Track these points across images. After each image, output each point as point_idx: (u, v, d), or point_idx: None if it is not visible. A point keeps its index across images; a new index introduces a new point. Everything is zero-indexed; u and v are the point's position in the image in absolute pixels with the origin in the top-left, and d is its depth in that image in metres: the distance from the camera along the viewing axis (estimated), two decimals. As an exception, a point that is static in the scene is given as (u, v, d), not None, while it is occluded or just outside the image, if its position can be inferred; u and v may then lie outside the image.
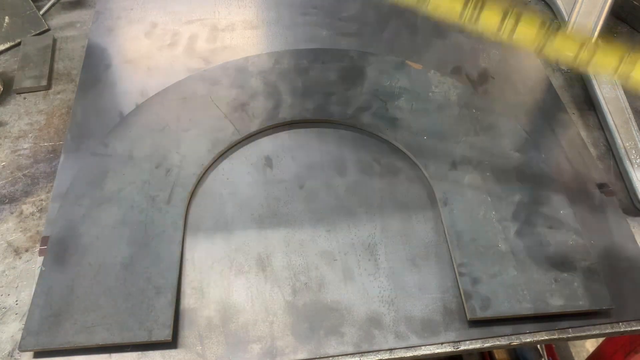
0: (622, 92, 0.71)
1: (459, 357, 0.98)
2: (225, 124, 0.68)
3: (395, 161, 0.65)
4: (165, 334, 0.50)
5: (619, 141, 0.66)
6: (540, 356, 1.00)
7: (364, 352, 0.50)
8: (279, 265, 0.56)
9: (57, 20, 0.88)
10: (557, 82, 0.76)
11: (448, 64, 0.77)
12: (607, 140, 0.69)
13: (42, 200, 0.64)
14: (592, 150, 0.68)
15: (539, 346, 1.00)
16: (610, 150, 0.68)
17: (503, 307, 0.51)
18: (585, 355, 0.95)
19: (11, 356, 0.51)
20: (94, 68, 0.77)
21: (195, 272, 0.56)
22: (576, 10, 0.71)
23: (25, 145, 0.70)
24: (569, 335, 0.52)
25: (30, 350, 0.51)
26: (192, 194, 0.62)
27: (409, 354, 0.50)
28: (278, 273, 0.56)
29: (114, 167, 0.64)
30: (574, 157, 0.65)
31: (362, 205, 0.61)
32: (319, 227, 0.59)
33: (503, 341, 0.51)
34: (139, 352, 0.51)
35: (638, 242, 0.58)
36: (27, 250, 0.59)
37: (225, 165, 0.65)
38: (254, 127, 0.68)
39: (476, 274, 0.54)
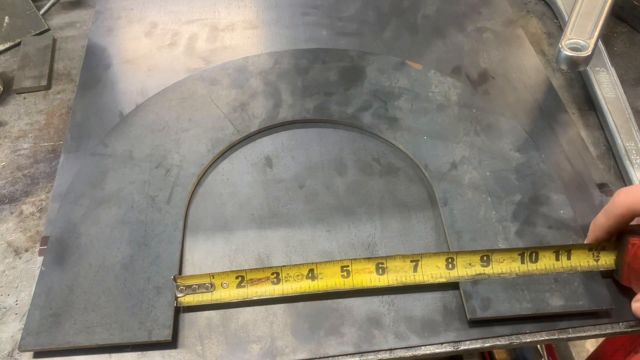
0: (622, 92, 0.71)
1: (459, 357, 0.98)
2: (225, 124, 0.68)
3: (395, 161, 0.65)
4: (165, 334, 0.50)
5: (619, 141, 0.66)
6: (540, 356, 1.00)
7: (364, 352, 0.50)
8: (279, 265, 0.56)
9: (57, 20, 0.88)
10: (557, 82, 0.76)
11: (448, 64, 0.77)
12: (607, 140, 0.69)
13: (42, 200, 0.64)
14: (592, 150, 0.68)
15: (539, 346, 1.00)
16: (610, 150, 0.68)
17: (503, 307, 0.51)
18: (585, 355, 0.95)
19: (11, 356, 0.51)
20: (94, 68, 0.77)
21: (195, 272, 0.56)
22: (576, 10, 0.71)
23: (25, 145, 0.70)
24: (569, 335, 0.52)
25: (30, 350, 0.51)
26: (192, 194, 0.62)
27: (409, 353, 0.50)
28: (278, 273, 0.55)
29: (114, 167, 0.64)
30: (574, 157, 0.65)
31: (362, 205, 0.61)
32: (319, 227, 0.59)
33: (503, 341, 0.51)
34: (139, 352, 0.51)
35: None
36: (27, 250, 0.59)
37: (225, 165, 0.65)
38: (254, 127, 0.68)
39: (476, 274, 0.54)
